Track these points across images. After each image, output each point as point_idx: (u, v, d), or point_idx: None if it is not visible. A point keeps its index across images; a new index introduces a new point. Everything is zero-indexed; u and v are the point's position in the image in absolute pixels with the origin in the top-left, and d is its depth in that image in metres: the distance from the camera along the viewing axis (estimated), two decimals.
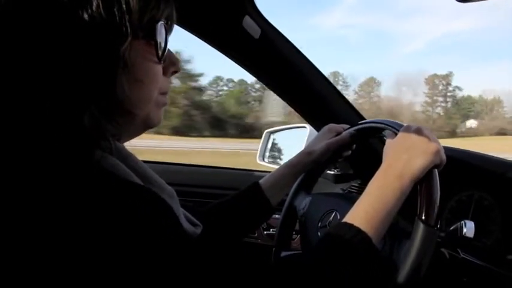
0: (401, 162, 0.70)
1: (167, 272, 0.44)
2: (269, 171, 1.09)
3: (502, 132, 47.65)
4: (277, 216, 1.10)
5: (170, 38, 0.60)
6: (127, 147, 0.60)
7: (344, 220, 0.65)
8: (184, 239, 0.50)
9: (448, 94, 61.56)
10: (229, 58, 1.19)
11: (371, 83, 62.64)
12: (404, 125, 0.79)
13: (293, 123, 1.76)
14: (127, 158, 0.56)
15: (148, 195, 0.48)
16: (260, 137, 1.87)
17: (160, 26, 0.56)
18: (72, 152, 0.47)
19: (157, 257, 0.44)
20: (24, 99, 0.46)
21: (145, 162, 0.60)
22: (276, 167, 1.14)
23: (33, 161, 0.45)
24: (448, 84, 62.06)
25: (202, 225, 0.71)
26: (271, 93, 1.27)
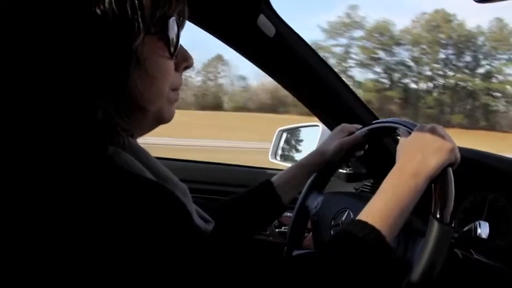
0: (416, 161, 0.70)
1: (179, 268, 0.45)
2: (281, 170, 1.09)
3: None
4: (289, 214, 1.10)
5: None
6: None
7: (358, 218, 0.65)
8: (197, 235, 0.50)
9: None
10: (243, 56, 1.19)
11: (216, 64, 46.17)
12: (418, 124, 0.79)
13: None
14: (140, 154, 0.57)
15: (161, 192, 0.48)
16: None
17: (173, 22, 0.56)
18: (85, 146, 0.47)
19: (170, 253, 0.44)
20: (37, 94, 0.47)
21: (157, 158, 0.61)
22: (288, 165, 1.14)
23: (45, 155, 0.45)
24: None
25: (214, 221, 0.72)
26: None
